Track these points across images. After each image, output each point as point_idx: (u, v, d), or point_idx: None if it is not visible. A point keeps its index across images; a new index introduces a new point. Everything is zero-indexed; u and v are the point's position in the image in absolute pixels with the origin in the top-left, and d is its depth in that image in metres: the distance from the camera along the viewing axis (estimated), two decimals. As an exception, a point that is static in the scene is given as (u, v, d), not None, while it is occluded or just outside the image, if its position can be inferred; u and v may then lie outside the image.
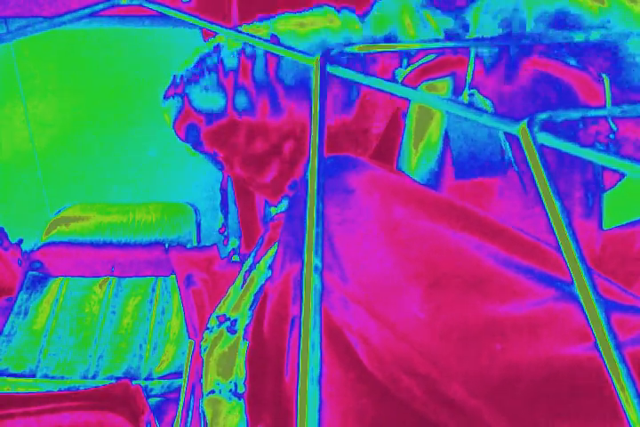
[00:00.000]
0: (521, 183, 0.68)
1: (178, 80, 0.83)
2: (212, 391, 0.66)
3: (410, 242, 0.50)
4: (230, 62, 0.80)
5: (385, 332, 0.47)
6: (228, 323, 0.70)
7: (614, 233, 0.74)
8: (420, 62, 0.77)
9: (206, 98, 0.81)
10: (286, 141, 0.81)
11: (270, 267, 0.69)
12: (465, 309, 0.46)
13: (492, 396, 0.43)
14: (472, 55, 0.69)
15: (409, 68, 0.78)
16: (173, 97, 0.84)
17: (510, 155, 0.68)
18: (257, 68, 0.79)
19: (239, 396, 0.64)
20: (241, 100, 0.79)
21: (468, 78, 0.70)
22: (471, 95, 0.70)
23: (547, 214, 0.20)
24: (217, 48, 0.82)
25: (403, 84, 0.75)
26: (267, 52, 0.79)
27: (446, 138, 0.72)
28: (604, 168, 0.73)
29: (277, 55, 0.78)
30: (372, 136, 0.83)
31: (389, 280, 0.49)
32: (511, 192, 0.68)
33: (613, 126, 0.72)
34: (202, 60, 0.82)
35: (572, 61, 0.72)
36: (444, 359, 0.45)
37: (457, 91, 0.72)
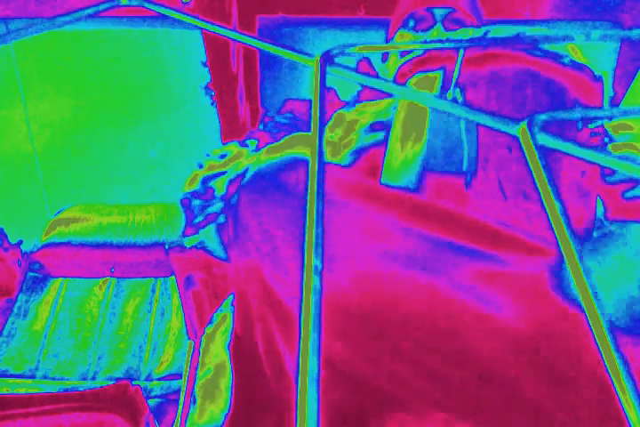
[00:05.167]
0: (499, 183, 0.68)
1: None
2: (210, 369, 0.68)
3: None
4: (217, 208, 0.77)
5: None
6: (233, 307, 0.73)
7: None
8: (413, 55, 0.77)
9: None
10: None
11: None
12: None
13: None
14: (460, 54, 0.69)
15: (402, 60, 0.78)
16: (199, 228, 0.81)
17: (474, 153, 0.68)
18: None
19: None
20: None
21: (455, 75, 0.70)
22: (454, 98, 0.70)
23: (547, 214, 0.20)
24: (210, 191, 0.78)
25: (397, 74, 0.75)
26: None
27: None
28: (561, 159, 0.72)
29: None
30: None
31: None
32: (485, 191, 0.69)
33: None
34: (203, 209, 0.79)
35: (567, 60, 0.69)
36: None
37: (445, 85, 0.72)
